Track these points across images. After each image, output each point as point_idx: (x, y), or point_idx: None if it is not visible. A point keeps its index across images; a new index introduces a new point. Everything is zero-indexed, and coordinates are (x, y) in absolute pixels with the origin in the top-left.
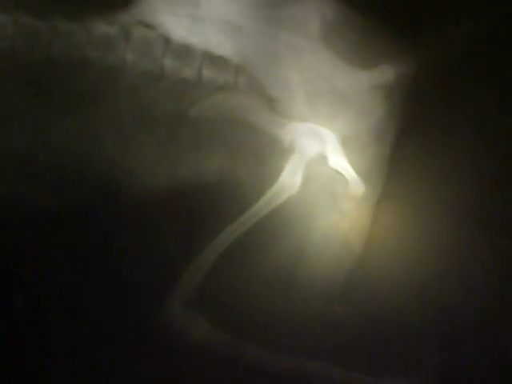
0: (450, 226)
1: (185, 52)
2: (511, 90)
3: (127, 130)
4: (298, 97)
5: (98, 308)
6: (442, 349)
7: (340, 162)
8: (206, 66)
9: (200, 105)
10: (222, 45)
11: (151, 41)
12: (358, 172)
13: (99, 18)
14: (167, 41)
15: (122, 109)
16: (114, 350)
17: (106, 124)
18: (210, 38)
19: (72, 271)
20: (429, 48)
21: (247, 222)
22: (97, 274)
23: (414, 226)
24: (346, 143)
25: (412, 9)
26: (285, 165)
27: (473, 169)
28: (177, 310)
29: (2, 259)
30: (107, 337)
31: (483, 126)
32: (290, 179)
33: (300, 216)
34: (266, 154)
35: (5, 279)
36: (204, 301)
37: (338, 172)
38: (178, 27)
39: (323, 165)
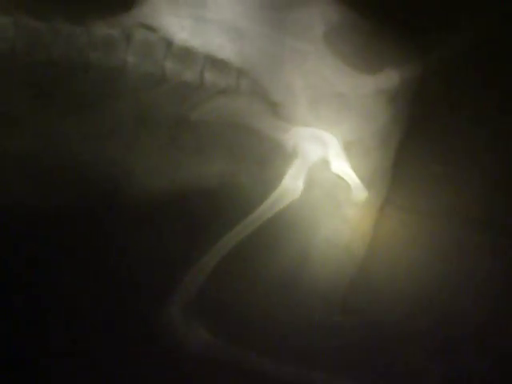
0: (452, 232)
1: (186, 55)
2: (511, 90)
3: (128, 132)
4: (301, 101)
5: (98, 309)
6: (445, 355)
7: (343, 167)
8: (207, 69)
9: (201, 108)
10: (224, 48)
11: (152, 43)
12: (361, 177)
13: (100, 19)
14: (169, 43)
15: (123, 111)
16: (114, 350)
17: (107, 126)
18: (212, 41)
19: (72, 272)
20: (433, 52)
21: (249, 226)
22: (97, 276)
23: (416, 232)
24: (349, 148)
25: (415, 13)
26: (287, 169)
27: (475, 172)
28: (176, 313)
29: (2, 259)
30: (107, 337)
31: (483, 126)
32: (292, 184)
33: (302, 221)
34: (269, 159)
35: (5, 279)
36: (204, 305)
37: (340, 177)
38: (179, 29)
39: (326, 170)
